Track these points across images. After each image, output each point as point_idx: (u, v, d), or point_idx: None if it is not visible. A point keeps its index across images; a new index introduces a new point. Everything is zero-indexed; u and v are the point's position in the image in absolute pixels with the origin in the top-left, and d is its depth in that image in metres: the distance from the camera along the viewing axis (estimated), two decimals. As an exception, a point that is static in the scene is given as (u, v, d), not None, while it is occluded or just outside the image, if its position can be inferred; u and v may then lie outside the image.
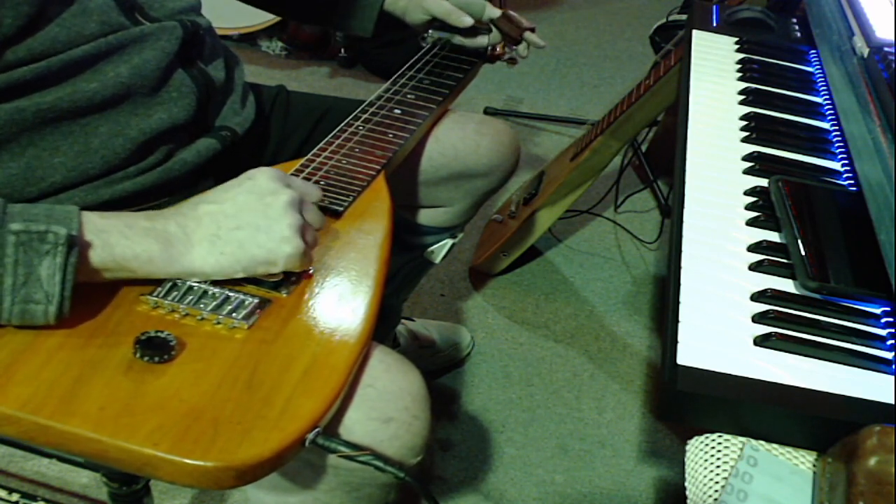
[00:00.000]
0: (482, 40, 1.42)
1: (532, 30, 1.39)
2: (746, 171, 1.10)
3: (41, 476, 1.48)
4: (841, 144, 1.18)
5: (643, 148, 2.46)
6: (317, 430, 0.76)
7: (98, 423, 0.72)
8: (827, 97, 1.30)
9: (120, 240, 0.81)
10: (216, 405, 0.74)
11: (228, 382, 0.77)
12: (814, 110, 1.27)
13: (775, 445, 0.80)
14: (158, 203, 1.05)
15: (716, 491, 0.78)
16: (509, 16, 1.39)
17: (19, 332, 0.78)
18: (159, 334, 0.79)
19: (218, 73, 1.12)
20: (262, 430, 0.73)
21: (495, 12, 1.38)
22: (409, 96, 1.28)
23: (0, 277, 0.75)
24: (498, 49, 1.44)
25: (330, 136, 1.16)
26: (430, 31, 1.42)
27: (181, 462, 0.70)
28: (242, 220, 0.85)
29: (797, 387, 0.79)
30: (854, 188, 1.09)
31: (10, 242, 0.74)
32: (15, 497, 1.14)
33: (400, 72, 1.34)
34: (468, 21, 1.34)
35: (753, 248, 0.96)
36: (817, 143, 1.19)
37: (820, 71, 1.37)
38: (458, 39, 1.42)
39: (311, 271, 0.91)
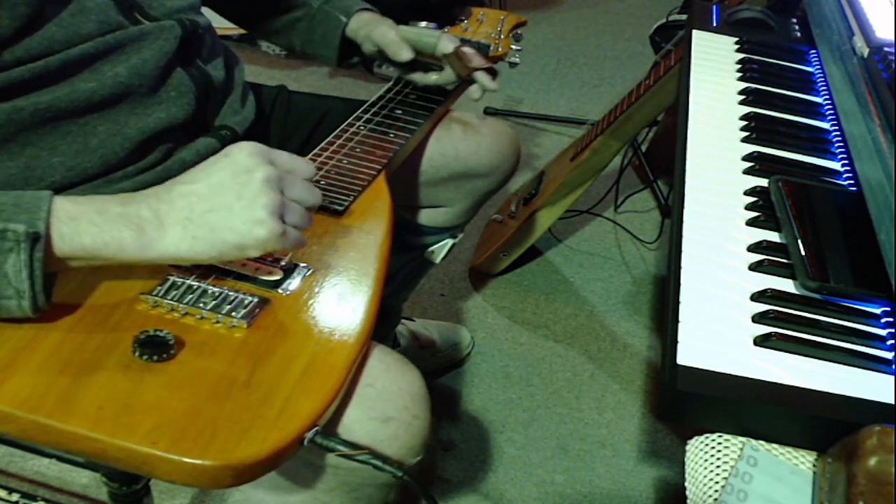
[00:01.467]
0: (429, 77, 1.31)
1: (487, 70, 1.27)
2: (746, 171, 1.10)
3: (41, 476, 1.48)
4: (841, 144, 1.18)
5: (643, 148, 2.46)
6: (315, 429, 0.76)
7: (96, 421, 0.72)
8: (827, 97, 1.30)
9: (89, 227, 0.78)
10: (215, 404, 0.74)
11: (227, 381, 0.77)
12: (814, 110, 1.27)
13: (775, 445, 0.80)
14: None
15: (716, 491, 0.78)
16: (461, 53, 1.25)
17: (18, 330, 0.78)
18: (158, 333, 0.79)
19: (217, 73, 1.12)
20: (261, 430, 0.73)
21: (448, 47, 1.26)
22: (409, 97, 1.28)
23: None
24: (501, 49, 1.43)
25: (331, 136, 1.16)
26: (380, 63, 1.35)
27: (179, 461, 0.70)
28: (215, 202, 0.80)
29: (797, 387, 0.79)
30: (854, 188, 1.08)
31: None
32: (15, 497, 1.14)
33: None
34: (405, 56, 1.25)
35: (753, 248, 0.96)
36: (817, 143, 1.19)
37: (820, 71, 1.37)
38: (405, 74, 1.32)
39: (311, 270, 0.91)
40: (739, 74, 1.34)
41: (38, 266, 0.75)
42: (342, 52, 1.31)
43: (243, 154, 0.82)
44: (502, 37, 1.48)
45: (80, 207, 0.79)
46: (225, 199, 0.80)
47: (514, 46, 1.46)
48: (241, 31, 2.94)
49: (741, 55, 1.40)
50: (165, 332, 0.79)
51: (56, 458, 0.79)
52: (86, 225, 0.78)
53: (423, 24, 1.32)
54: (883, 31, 1.16)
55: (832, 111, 1.26)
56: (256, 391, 0.76)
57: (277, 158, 0.84)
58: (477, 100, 1.30)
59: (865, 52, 1.13)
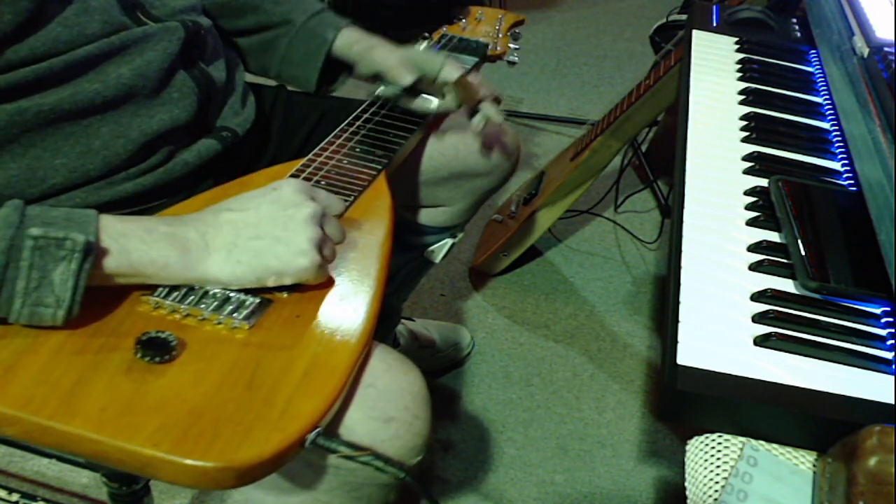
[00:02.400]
0: (428, 105, 1.23)
1: (494, 99, 1.21)
2: (746, 171, 1.10)
3: (41, 476, 1.48)
4: (841, 144, 1.18)
5: (643, 148, 2.46)
6: (317, 430, 0.75)
7: (99, 423, 0.72)
8: (827, 97, 1.30)
9: (138, 245, 0.81)
10: (217, 406, 0.74)
11: (229, 383, 0.77)
12: (814, 110, 1.27)
13: (775, 445, 0.80)
14: (160, 203, 1.05)
15: (716, 491, 0.78)
16: (466, 83, 1.19)
17: (21, 333, 0.78)
18: (160, 335, 0.79)
19: (219, 74, 1.12)
20: (263, 431, 0.73)
21: (452, 75, 1.19)
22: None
23: (13, 280, 0.74)
24: (499, 48, 1.43)
25: (331, 135, 1.16)
26: (380, 85, 1.25)
27: (181, 462, 0.70)
28: (262, 230, 0.84)
29: (797, 387, 0.79)
30: (854, 188, 1.09)
31: (27, 246, 0.74)
32: (15, 497, 1.14)
33: None
34: (407, 79, 1.18)
35: (753, 248, 0.96)
36: (817, 143, 1.19)
37: (820, 71, 1.37)
38: (404, 100, 1.23)
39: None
40: (739, 74, 1.34)
41: (85, 277, 0.76)
42: (323, 75, 1.26)
43: (290, 189, 0.87)
44: (500, 36, 1.48)
45: (127, 226, 0.82)
46: (272, 229, 0.84)
47: (512, 45, 1.46)
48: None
49: (741, 55, 1.40)
50: (167, 334, 0.79)
51: (56, 459, 0.80)
52: (135, 242, 0.81)
53: (424, 45, 1.26)
54: (883, 31, 1.16)
55: (832, 111, 1.26)
56: (258, 392, 0.76)
57: (318, 196, 0.90)
58: (479, 131, 1.24)
59: (865, 52, 1.13)
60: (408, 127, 1.20)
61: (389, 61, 1.19)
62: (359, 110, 1.22)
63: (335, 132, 1.16)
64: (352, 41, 1.24)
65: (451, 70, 1.19)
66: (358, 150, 1.13)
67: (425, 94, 1.23)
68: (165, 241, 0.83)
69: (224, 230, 0.85)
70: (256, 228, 0.85)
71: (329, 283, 0.91)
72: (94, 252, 0.77)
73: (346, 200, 1.03)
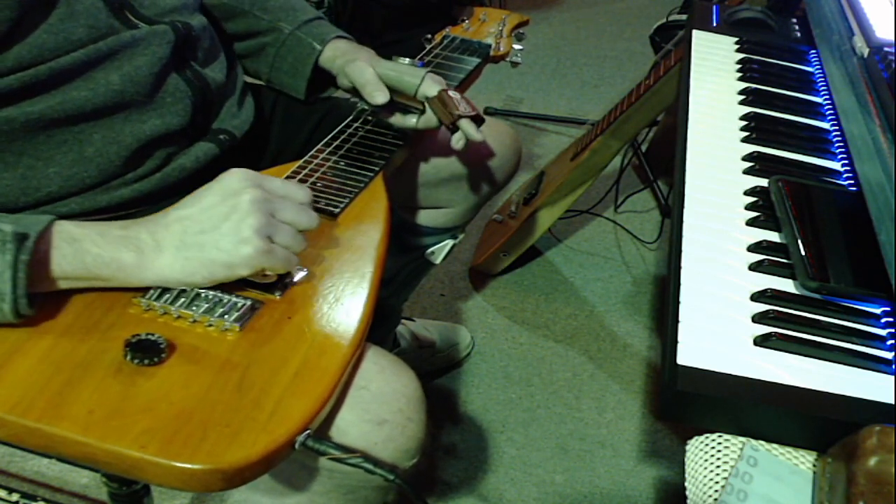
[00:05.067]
0: (409, 120, 1.19)
1: (474, 118, 1.14)
2: (746, 171, 1.10)
3: (41, 476, 1.48)
4: (841, 144, 1.18)
5: (643, 148, 2.46)
6: (307, 432, 0.75)
7: (86, 426, 0.71)
8: (827, 97, 1.29)
9: (91, 247, 0.81)
10: (205, 407, 0.74)
11: (218, 385, 0.76)
12: (814, 110, 1.27)
13: (775, 445, 0.80)
14: (158, 208, 1.04)
15: (716, 491, 0.77)
16: (445, 98, 1.14)
17: (9, 334, 0.78)
18: (149, 336, 0.79)
19: (215, 75, 1.11)
20: (251, 433, 0.72)
21: (431, 90, 1.14)
22: None
23: None
24: (502, 48, 1.43)
25: (328, 137, 1.15)
26: (355, 100, 1.23)
27: (169, 465, 0.70)
28: (206, 224, 0.83)
29: (797, 387, 0.79)
30: (854, 188, 1.08)
31: None
32: (15, 497, 1.14)
33: None
34: (380, 99, 1.13)
35: (753, 248, 0.96)
36: (817, 143, 1.19)
37: (820, 71, 1.37)
38: (382, 116, 1.21)
39: (305, 272, 0.90)
40: (739, 74, 1.33)
41: (22, 269, 0.76)
42: (312, 83, 1.24)
43: (233, 179, 0.86)
44: (504, 36, 1.47)
45: (82, 230, 0.82)
46: (214, 221, 0.83)
47: (515, 46, 1.45)
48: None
49: (741, 55, 1.39)
50: (157, 336, 0.79)
51: (55, 459, 0.79)
52: (88, 245, 0.81)
53: (407, 60, 1.22)
54: (883, 31, 1.15)
55: (832, 111, 1.26)
56: (247, 394, 0.76)
57: (269, 184, 0.87)
58: (459, 150, 1.18)
59: (865, 52, 1.12)
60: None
61: (365, 77, 1.14)
62: (349, 118, 1.21)
63: (333, 133, 1.16)
64: (336, 54, 1.21)
65: (430, 85, 1.14)
66: (354, 152, 1.13)
67: (406, 109, 1.20)
68: (119, 244, 0.82)
69: (172, 228, 0.84)
70: (201, 222, 0.83)
71: (322, 284, 0.90)
72: (29, 244, 0.76)
73: (343, 201, 1.02)
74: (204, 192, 0.86)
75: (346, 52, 1.21)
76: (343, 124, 1.20)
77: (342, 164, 1.10)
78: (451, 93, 1.15)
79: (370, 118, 1.21)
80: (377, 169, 1.10)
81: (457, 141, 1.16)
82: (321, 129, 1.28)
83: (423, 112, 1.18)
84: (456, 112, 1.13)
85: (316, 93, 1.27)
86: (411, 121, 1.19)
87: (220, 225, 0.83)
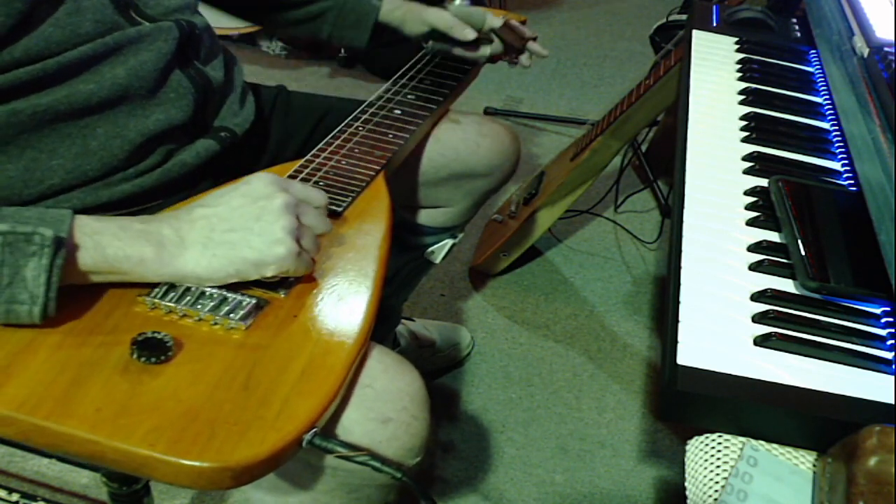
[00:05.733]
0: (484, 51, 1.38)
1: (534, 39, 1.37)
2: (746, 171, 1.10)
3: (41, 476, 1.48)
4: (841, 144, 1.18)
5: (643, 148, 2.46)
6: (314, 430, 0.75)
7: (95, 424, 0.72)
8: (827, 97, 1.30)
9: (112, 241, 0.81)
10: (213, 406, 0.74)
11: (225, 383, 0.76)
12: (814, 110, 1.27)
13: (775, 445, 0.80)
14: (158, 204, 1.05)
15: (716, 491, 0.78)
16: (512, 25, 1.35)
17: (17, 333, 0.78)
18: (156, 335, 0.79)
19: (216, 73, 1.12)
20: (259, 431, 0.73)
21: (496, 21, 1.35)
22: (408, 97, 1.28)
23: None
24: (529, 33, 1.44)
25: (329, 136, 1.15)
26: (430, 41, 1.39)
27: (177, 463, 0.70)
28: (236, 223, 0.85)
29: (797, 387, 0.79)
30: (854, 188, 1.08)
31: None
32: (15, 497, 1.14)
33: (399, 73, 1.34)
34: (471, 35, 1.32)
35: (753, 248, 0.96)
36: (817, 143, 1.19)
37: (820, 71, 1.37)
38: (459, 51, 1.38)
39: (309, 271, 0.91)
40: (739, 74, 1.34)
41: (57, 273, 0.76)
42: (372, 35, 1.35)
43: (262, 182, 0.88)
44: None
45: (102, 224, 0.82)
46: (245, 221, 0.85)
47: None
48: (241, 31, 2.95)
49: (741, 55, 1.40)
50: (163, 334, 0.79)
51: (56, 458, 0.80)
52: (109, 238, 0.82)
53: (458, 2, 1.41)
54: (883, 31, 1.16)
55: (832, 111, 1.26)
56: (254, 393, 0.76)
57: (292, 188, 0.90)
58: (527, 66, 1.40)
59: (865, 52, 1.12)
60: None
61: (446, 20, 1.31)
62: (358, 110, 1.23)
63: (334, 132, 1.16)
64: (394, 7, 1.35)
65: (494, 18, 1.36)
66: (356, 150, 1.13)
67: (474, 44, 1.36)
68: (140, 238, 0.83)
69: (198, 225, 0.85)
70: (230, 221, 0.85)
71: (326, 283, 0.90)
72: (64, 247, 0.77)
73: (346, 199, 1.03)
74: (229, 192, 0.87)
75: (400, 5, 1.36)
76: (348, 119, 1.21)
77: (344, 162, 1.10)
78: (512, 22, 1.36)
79: (378, 110, 1.26)
80: (384, 161, 1.13)
81: (526, 60, 1.39)
82: (321, 128, 1.28)
83: (490, 42, 1.38)
84: (525, 35, 1.36)
85: (376, 43, 1.37)
86: (486, 50, 1.38)
87: (251, 225, 0.84)
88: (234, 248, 0.84)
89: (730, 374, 0.79)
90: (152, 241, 0.83)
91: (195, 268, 0.84)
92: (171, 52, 1.03)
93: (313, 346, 0.82)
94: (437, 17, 1.32)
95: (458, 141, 1.33)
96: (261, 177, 0.88)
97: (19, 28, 0.88)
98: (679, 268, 0.92)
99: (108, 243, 0.81)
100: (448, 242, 1.47)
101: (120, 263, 0.82)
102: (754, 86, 1.30)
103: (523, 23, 1.52)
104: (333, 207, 1.01)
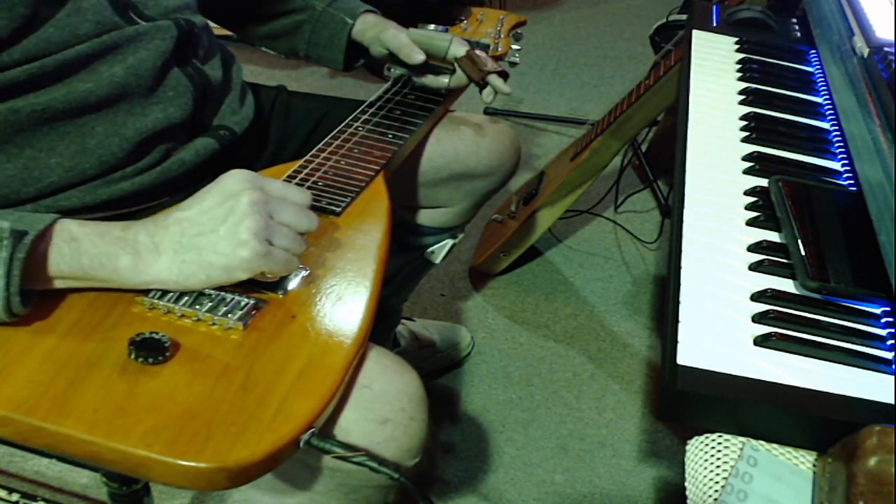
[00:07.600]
0: (442, 80, 1.31)
1: (500, 73, 1.25)
2: (746, 171, 1.10)
3: (41, 476, 1.48)
4: (841, 144, 1.18)
5: (643, 148, 2.46)
6: (312, 430, 0.75)
7: (92, 424, 0.71)
8: (827, 97, 1.30)
9: (89, 248, 0.81)
10: (210, 406, 0.74)
11: (223, 383, 0.76)
12: (814, 110, 1.27)
13: (775, 445, 0.80)
14: (158, 203, 1.05)
15: (716, 491, 0.77)
16: (474, 56, 1.25)
17: (14, 333, 0.78)
18: (153, 335, 0.79)
19: (215, 72, 1.12)
20: (256, 431, 0.73)
21: (460, 51, 1.26)
22: (409, 97, 1.28)
23: None
24: (500, 48, 1.43)
25: (329, 136, 1.15)
26: (390, 65, 1.33)
27: (174, 463, 0.70)
28: (204, 226, 0.82)
29: (797, 387, 0.79)
30: (854, 188, 1.08)
31: None
32: (15, 497, 1.14)
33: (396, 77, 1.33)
34: (418, 58, 1.25)
35: (753, 248, 0.96)
36: (817, 143, 1.19)
37: (820, 71, 1.37)
38: (416, 77, 1.32)
39: (308, 272, 0.91)
40: (739, 74, 1.33)
41: (17, 266, 0.76)
42: (348, 55, 1.31)
43: (233, 180, 0.84)
44: (502, 36, 1.47)
45: (83, 229, 0.82)
46: (212, 223, 0.82)
47: (514, 46, 1.46)
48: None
49: (741, 55, 1.40)
50: (161, 335, 0.79)
51: (56, 458, 0.80)
52: (87, 245, 0.81)
53: (432, 27, 1.32)
54: (883, 31, 1.15)
55: (832, 111, 1.26)
56: (252, 393, 0.76)
57: (268, 186, 0.86)
58: (489, 103, 1.28)
59: (865, 52, 1.12)
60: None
61: (400, 42, 1.25)
62: (358, 111, 1.22)
63: (334, 132, 1.16)
64: (367, 26, 1.30)
65: (458, 46, 1.26)
66: (356, 150, 1.13)
67: (438, 71, 1.30)
68: (117, 245, 0.82)
69: (171, 230, 0.83)
70: (200, 225, 0.82)
71: (325, 283, 0.90)
72: (28, 243, 0.76)
73: (345, 200, 1.03)
74: (204, 193, 0.85)
75: (375, 24, 1.30)
76: (348, 119, 1.20)
77: (344, 163, 1.10)
78: (478, 52, 1.26)
79: (378, 110, 1.24)
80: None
81: (486, 95, 1.26)
82: (320, 128, 1.28)
83: (453, 72, 1.29)
84: (485, 68, 1.24)
85: (353, 62, 1.34)
86: (444, 80, 1.31)
87: (217, 227, 0.82)
88: (202, 253, 0.82)
89: (730, 374, 0.79)
90: (128, 248, 0.82)
91: (168, 275, 0.82)
92: (170, 51, 1.03)
93: (311, 346, 0.82)
94: (392, 38, 1.26)
95: (458, 141, 1.33)
96: (233, 174, 0.85)
97: (21, 30, 0.88)
98: (679, 268, 0.91)
99: (84, 250, 0.81)
100: (448, 243, 1.47)
101: (95, 271, 0.81)
102: (754, 86, 1.30)
103: (523, 23, 1.52)
104: (332, 207, 1.01)
